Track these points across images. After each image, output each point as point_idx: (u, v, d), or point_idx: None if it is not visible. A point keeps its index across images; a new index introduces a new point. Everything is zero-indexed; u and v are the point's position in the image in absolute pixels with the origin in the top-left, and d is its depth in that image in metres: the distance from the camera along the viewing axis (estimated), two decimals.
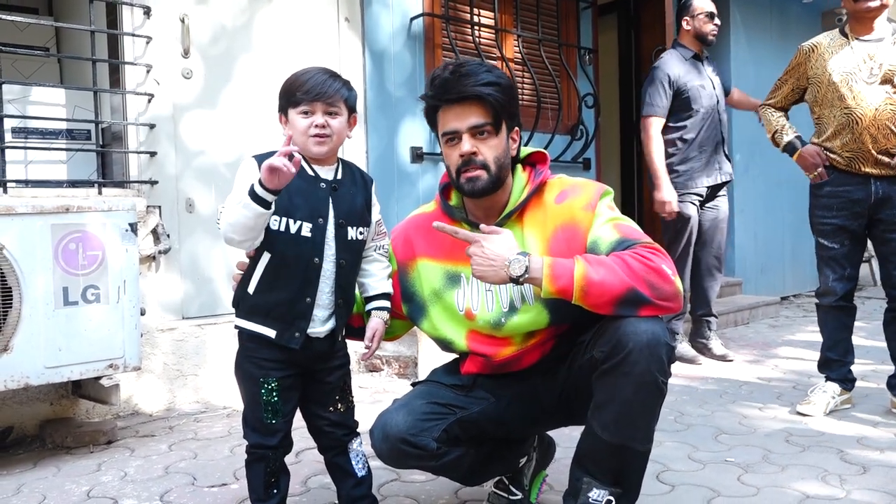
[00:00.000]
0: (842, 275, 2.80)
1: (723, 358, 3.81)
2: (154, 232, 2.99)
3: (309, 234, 1.58)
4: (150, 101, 3.01)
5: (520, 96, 4.24)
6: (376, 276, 1.73)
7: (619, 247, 1.54)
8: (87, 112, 2.99)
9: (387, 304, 1.73)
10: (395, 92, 3.91)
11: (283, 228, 1.57)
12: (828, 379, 2.88)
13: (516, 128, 1.72)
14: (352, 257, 1.65)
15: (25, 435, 2.65)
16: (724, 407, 2.94)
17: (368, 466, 1.79)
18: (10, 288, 2.23)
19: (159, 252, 2.99)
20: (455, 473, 1.77)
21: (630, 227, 1.60)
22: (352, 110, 1.66)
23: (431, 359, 3.44)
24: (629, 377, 1.47)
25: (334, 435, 1.75)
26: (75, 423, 2.67)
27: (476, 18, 4.17)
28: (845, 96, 2.70)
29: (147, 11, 3.00)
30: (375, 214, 1.72)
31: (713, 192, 3.80)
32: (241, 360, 1.68)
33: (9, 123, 2.80)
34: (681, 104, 3.64)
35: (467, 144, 1.62)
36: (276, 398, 1.64)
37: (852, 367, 2.91)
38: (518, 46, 4.40)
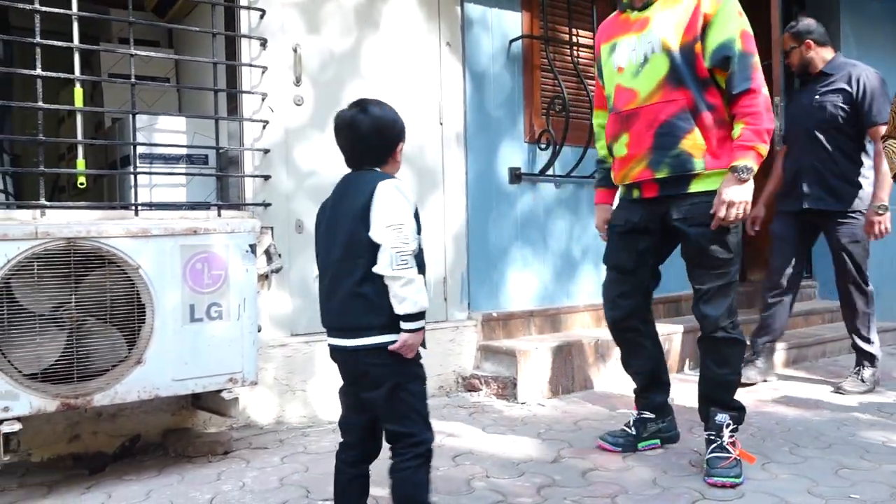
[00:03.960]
0: None
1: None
2: (267, 252, 3.15)
3: None
4: (264, 127, 3.18)
5: None
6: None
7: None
8: (206, 138, 3.20)
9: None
10: (494, 112, 3.98)
11: None
12: None
13: None
14: None
15: (149, 443, 2.84)
16: (843, 439, 2.85)
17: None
18: (143, 305, 2.43)
19: (271, 271, 3.15)
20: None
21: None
22: None
23: (531, 380, 3.49)
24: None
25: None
26: (194, 434, 2.85)
27: (575, 39, 4.21)
28: None
29: (263, 43, 3.19)
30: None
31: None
32: (414, 361, 1.79)
33: (138, 150, 3.03)
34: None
35: None
36: None
37: None
38: None
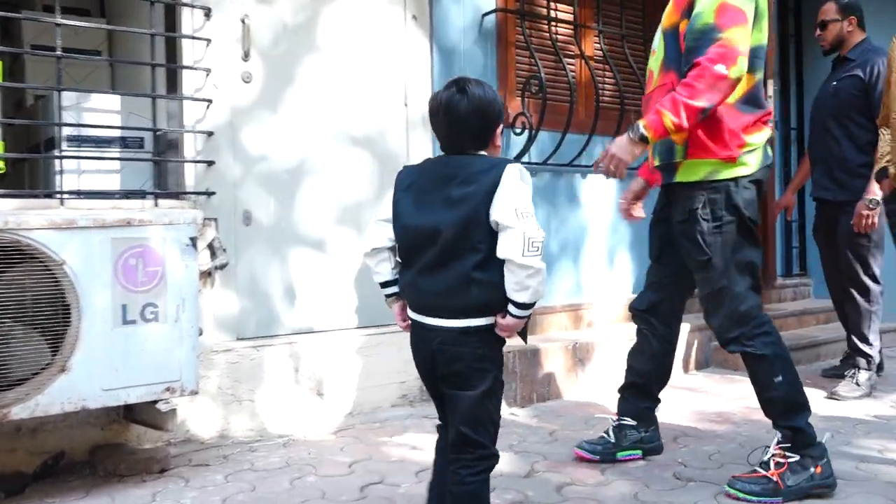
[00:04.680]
0: None
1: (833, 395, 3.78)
2: (210, 246, 3.10)
3: None
4: (208, 106, 3.13)
5: (601, 98, 4.27)
6: None
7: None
8: (142, 119, 3.12)
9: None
10: None
11: None
12: None
13: None
14: None
15: (76, 461, 2.78)
16: (836, 449, 2.89)
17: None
18: (69, 305, 2.36)
19: (215, 268, 3.11)
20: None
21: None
22: None
23: None
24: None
25: None
26: (127, 450, 2.79)
27: (553, 14, 4.21)
28: None
29: (208, 13, 3.13)
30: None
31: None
32: (500, 364, 1.88)
33: (65, 131, 2.95)
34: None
35: None
36: None
37: None
38: (599, 43, 4.43)
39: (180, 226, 2.55)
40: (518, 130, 4.05)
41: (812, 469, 2.42)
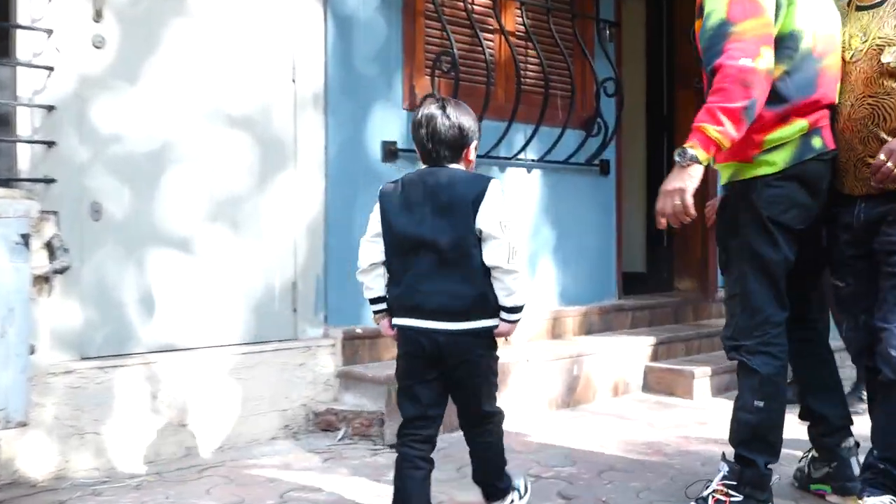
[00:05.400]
0: None
1: None
2: (48, 245, 3.01)
3: None
4: (49, 75, 3.03)
5: (522, 79, 4.33)
6: None
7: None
8: None
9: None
10: (365, 70, 3.95)
11: None
12: None
13: None
14: None
15: None
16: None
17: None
18: None
19: (54, 271, 3.01)
20: None
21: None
22: None
23: (397, 416, 3.47)
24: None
25: None
26: None
27: None
28: None
29: None
30: None
31: None
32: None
33: None
34: None
35: None
36: None
37: None
38: (521, 17, 4.48)
39: (8, 219, 2.49)
40: None
41: None
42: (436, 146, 2.41)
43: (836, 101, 2.62)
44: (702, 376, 4.39)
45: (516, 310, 2.38)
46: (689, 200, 2.45)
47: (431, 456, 2.44)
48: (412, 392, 2.43)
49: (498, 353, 2.49)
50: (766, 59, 2.42)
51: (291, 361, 3.61)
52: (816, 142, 2.58)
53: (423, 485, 2.40)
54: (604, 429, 3.74)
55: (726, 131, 2.40)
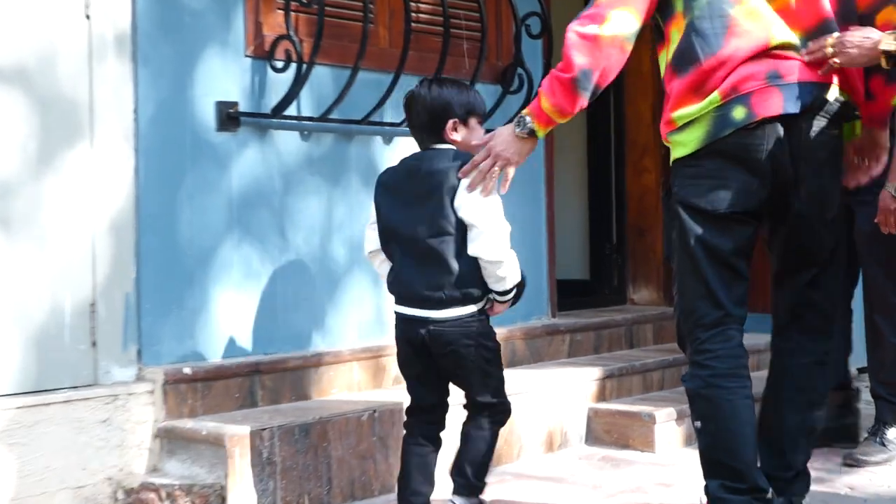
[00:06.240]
0: None
1: None
2: None
3: None
4: None
5: (414, 14, 4.20)
6: None
7: None
8: None
9: None
10: (191, 1, 3.70)
11: None
12: None
13: None
14: None
15: None
16: None
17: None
18: None
19: None
20: None
21: None
22: None
23: (251, 489, 3.42)
24: None
25: None
26: None
27: None
28: None
29: None
30: None
31: None
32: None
33: None
34: None
35: None
36: None
37: None
38: None
39: None
40: (280, 64, 3.89)
41: None
42: (415, 129, 3.00)
43: (782, 42, 2.63)
44: (665, 420, 4.31)
45: (508, 292, 2.92)
46: (511, 174, 2.84)
47: (440, 436, 3.03)
48: (411, 377, 3.04)
49: (492, 343, 2.98)
50: (614, 24, 2.62)
51: (90, 417, 3.36)
52: (738, 112, 2.61)
53: (425, 461, 2.98)
54: (535, 497, 3.60)
55: (559, 104, 2.71)
